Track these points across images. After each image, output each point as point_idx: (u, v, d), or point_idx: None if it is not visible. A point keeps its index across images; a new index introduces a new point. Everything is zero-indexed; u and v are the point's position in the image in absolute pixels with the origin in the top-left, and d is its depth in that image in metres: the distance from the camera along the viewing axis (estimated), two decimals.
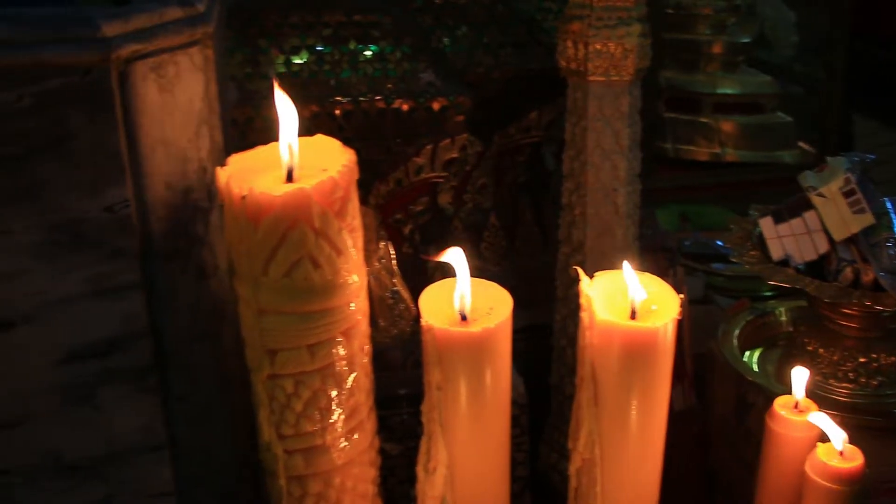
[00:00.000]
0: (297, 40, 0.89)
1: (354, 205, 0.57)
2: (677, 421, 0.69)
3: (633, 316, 0.62)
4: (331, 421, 0.59)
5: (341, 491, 0.62)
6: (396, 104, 0.87)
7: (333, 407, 0.59)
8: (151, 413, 0.62)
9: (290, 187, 0.54)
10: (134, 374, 0.61)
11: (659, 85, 1.40)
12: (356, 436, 0.61)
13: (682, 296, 0.64)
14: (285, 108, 0.57)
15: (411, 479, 0.79)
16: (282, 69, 0.87)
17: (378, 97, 0.87)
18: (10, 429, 0.61)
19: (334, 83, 0.88)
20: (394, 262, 0.76)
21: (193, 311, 0.63)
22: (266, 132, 0.86)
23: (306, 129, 0.59)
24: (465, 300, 0.61)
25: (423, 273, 0.90)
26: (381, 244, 0.75)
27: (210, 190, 0.63)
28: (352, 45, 0.89)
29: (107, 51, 0.54)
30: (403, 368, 0.85)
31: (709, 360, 0.92)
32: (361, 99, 0.86)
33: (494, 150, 1.00)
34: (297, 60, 0.88)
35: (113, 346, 0.60)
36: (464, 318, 0.61)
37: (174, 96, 0.59)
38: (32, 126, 0.55)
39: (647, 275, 0.65)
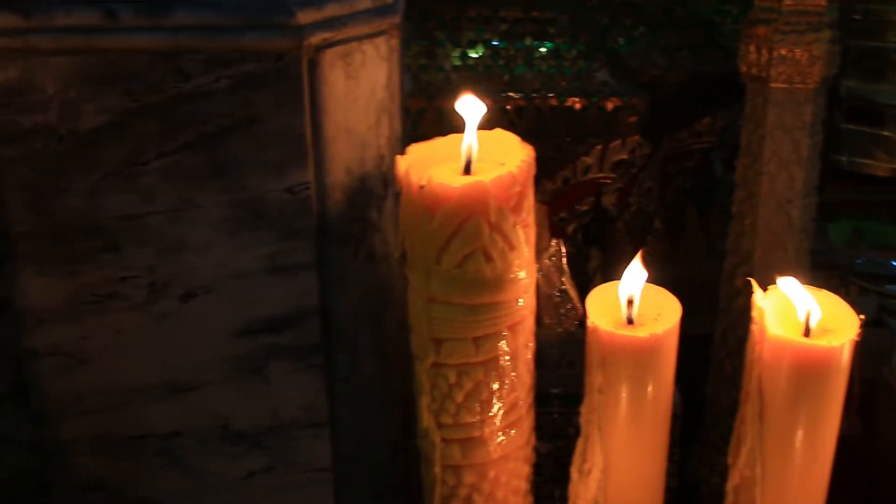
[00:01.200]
0: (474, 34, 0.90)
1: (530, 201, 0.57)
2: (840, 446, 0.66)
3: (806, 333, 0.60)
4: (490, 414, 0.60)
5: (495, 484, 0.62)
6: (569, 102, 0.87)
7: (494, 400, 0.59)
8: (315, 390, 0.64)
9: (468, 180, 0.54)
10: (302, 352, 0.63)
11: (839, 94, 1.34)
12: (513, 431, 0.61)
13: (862, 316, 0.61)
14: (467, 100, 0.57)
15: (556, 479, 0.78)
16: (457, 62, 0.88)
17: (551, 94, 0.86)
18: (186, 393, 0.64)
19: (508, 78, 0.88)
20: (564, 260, 0.76)
21: (361, 294, 0.64)
22: (438, 124, 0.87)
23: (479, 123, 0.60)
24: (632, 304, 0.60)
25: (583, 273, 0.89)
26: (553, 242, 0.75)
27: (386, 178, 0.64)
28: (527, 42, 0.89)
29: (299, 38, 0.56)
30: (558, 367, 0.85)
31: (879, 387, 0.88)
32: (534, 95, 0.86)
33: (663, 154, 0.98)
34: (473, 54, 0.89)
35: (284, 323, 0.62)
36: (630, 321, 0.60)
37: (359, 84, 0.61)
38: (226, 107, 0.58)
39: (824, 292, 0.62)
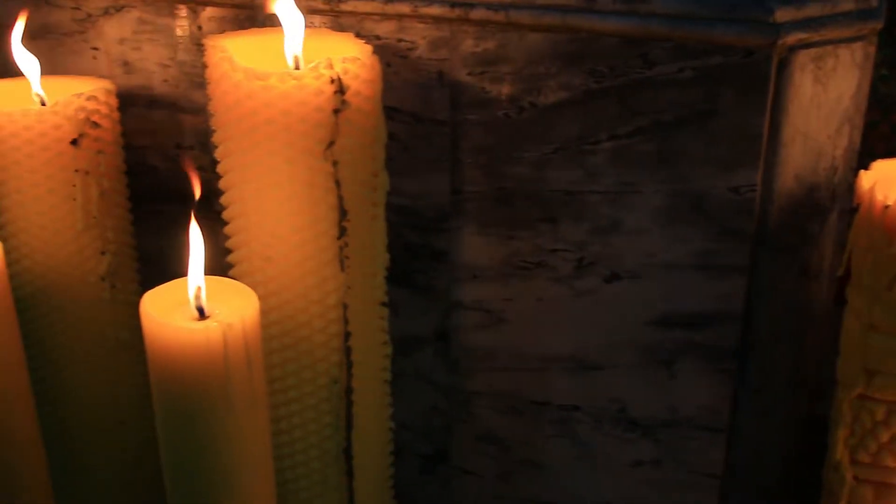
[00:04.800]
0: None
1: None
2: None
3: None
4: None
5: None
6: None
7: None
8: (721, 395, 0.63)
9: None
10: (715, 354, 0.62)
11: None
12: None
13: None
14: None
15: None
16: None
17: None
18: (591, 371, 0.66)
19: None
20: None
21: (787, 307, 0.62)
22: (889, 139, 0.81)
23: None
24: None
25: None
26: None
27: (836, 190, 0.60)
28: None
29: (774, 36, 0.54)
30: None
31: None
32: None
33: None
34: None
35: (703, 322, 0.61)
36: None
37: (826, 90, 0.58)
38: (686, 98, 0.57)
39: None
